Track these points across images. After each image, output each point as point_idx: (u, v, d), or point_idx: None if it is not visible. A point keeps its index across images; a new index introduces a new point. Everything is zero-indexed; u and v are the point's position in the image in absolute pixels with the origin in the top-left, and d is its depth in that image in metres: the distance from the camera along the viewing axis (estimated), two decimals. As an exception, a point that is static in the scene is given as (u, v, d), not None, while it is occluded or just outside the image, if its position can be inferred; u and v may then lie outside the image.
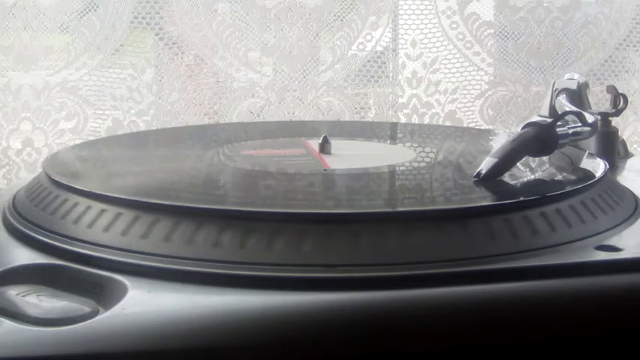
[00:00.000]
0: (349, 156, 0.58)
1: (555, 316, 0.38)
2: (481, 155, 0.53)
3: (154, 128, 0.80)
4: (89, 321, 0.36)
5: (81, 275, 0.40)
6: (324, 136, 0.58)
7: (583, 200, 0.46)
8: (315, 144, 0.59)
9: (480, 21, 0.88)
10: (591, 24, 0.92)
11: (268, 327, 0.36)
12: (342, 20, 0.84)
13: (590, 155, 0.58)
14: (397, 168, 0.55)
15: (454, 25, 0.88)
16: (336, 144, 0.58)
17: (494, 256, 0.40)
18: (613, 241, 0.44)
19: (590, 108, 0.65)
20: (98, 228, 0.43)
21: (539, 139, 0.50)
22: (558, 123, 0.52)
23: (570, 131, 0.53)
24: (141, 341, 0.35)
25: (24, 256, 0.43)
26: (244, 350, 0.35)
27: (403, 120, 0.88)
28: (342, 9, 0.84)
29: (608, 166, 0.53)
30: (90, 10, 0.77)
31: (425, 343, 0.37)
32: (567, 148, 0.55)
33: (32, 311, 0.37)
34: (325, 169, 0.54)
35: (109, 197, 0.44)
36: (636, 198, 0.51)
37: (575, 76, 0.66)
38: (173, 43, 0.81)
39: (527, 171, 0.53)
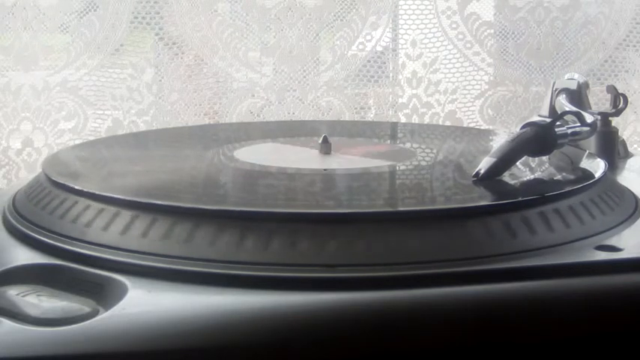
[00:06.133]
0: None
1: (555, 316, 0.38)
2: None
3: (154, 128, 0.80)
4: (89, 321, 0.36)
5: (81, 275, 0.40)
6: (324, 136, 0.58)
7: (583, 200, 0.46)
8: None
9: (480, 21, 0.88)
10: (591, 24, 0.92)
11: (268, 327, 0.36)
12: (342, 20, 0.84)
13: (590, 155, 0.58)
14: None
15: (454, 25, 0.88)
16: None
17: (494, 256, 0.41)
18: (613, 241, 0.44)
19: (590, 108, 0.65)
20: (98, 228, 0.43)
21: (538, 139, 0.50)
22: (557, 123, 0.52)
23: (569, 131, 0.53)
24: (141, 341, 0.35)
25: (24, 256, 0.43)
26: (244, 350, 0.35)
27: (403, 120, 0.88)
28: (342, 9, 0.84)
29: (608, 166, 0.53)
30: (90, 10, 0.77)
31: (425, 343, 0.37)
32: (567, 148, 0.55)
33: (32, 311, 0.37)
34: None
35: (109, 197, 0.44)
36: (636, 198, 0.51)
37: (575, 76, 0.66)
38: (173, 43, 0.81)
39: (526, 171, 0.53)
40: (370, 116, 0.89)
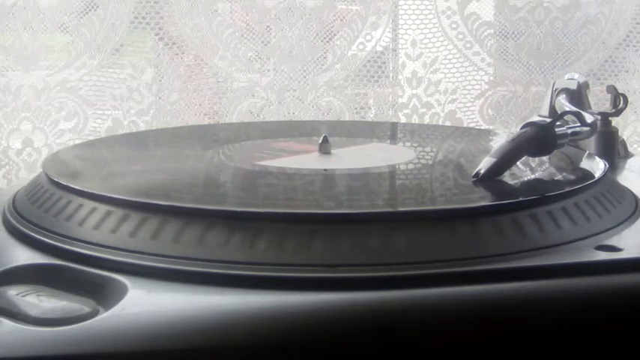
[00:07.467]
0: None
1: (555, 316, 0.38)
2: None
3: (154, 128, 0.80)
4: (89, 321, 0.36)
5: (81, 275, 0.40)
6: (324, 136, 0.58)
7: (583, 200, 0.46)
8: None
9: (480, 21, 0.88)
10: (591, 24, 0.92)
11: (268, 327, 0.36)
12: (342, 20, 0.84)
13: (590, 155, 0.58)
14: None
15: (454, 25, 0.88)
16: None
17: (494, 256, 0.40)
18: (613, 241, 0.44)
19: (590, 108, 0.65)
20: (98, 228, 0.43)
21: (538, 139, 0.50)
22: (557, 123, 0.52)
23: (569, 131, 0.53)
24: (141, 341, 0.35)
25: (24, 256, 0.43)
26: (244, 350, 0.35)
27: (403, 120, 0.88)
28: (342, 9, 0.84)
29: (608, 166, 0.53)
30: (90, 10, 0.77)
31: (425, 343, 0.37)
32: (567, 148, 0.55)
33: (32, 311, 0.37)
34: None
35: (109, 197, 0.44)
36: (636, 198, 0.51)
37: (575, 76, 0.66)
38: (173, 43, 0.81)
39: (527, 171, 0.53)
40: (370, 116, 0.89)
